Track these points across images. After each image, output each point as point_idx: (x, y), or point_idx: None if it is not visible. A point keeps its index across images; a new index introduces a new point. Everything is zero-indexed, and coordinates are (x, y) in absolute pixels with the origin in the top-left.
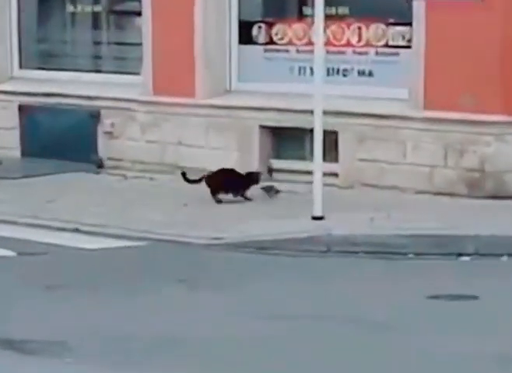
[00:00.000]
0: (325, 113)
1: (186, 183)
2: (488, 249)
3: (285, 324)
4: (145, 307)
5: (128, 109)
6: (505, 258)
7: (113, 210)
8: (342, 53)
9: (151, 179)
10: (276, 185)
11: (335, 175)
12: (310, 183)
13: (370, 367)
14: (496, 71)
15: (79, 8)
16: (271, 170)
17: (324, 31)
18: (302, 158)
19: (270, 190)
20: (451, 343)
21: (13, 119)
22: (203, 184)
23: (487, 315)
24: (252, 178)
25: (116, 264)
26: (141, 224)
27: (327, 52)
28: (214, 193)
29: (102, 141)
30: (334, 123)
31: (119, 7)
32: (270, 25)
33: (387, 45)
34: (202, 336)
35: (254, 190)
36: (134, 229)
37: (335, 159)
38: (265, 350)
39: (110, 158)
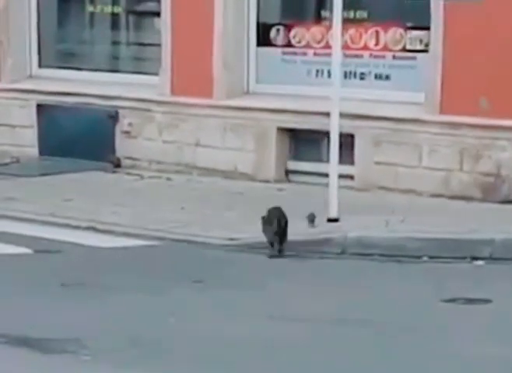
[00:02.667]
0: (342, 115)
1: (199, 184)
2: (502, 254)
3: (299, 326)
4: (160, 306)
5: (146, 110)
6: None
7: (130, 210)
8: (360, 56)
9: (168, 179)
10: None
11: (351, 177)
12: (326, 185)
13: (385, 371)
14: None
15: (99, 8)
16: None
17: (342, 34)
18: (318, 160)
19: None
20: (465, 346)
21: (31, 117)
22: None
23: (500, 319)
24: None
25: (131, 263)
26: (157, 224)
27: (345, 55)
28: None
29: (119, 141)
30: (350, 126)
31: (138, 7)
32: (288, 27)
33: (404, 49)
34: (215, 336)
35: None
36: (150, 229)
37: (351, 162)
38: (277, 352)
39: (127, 158)
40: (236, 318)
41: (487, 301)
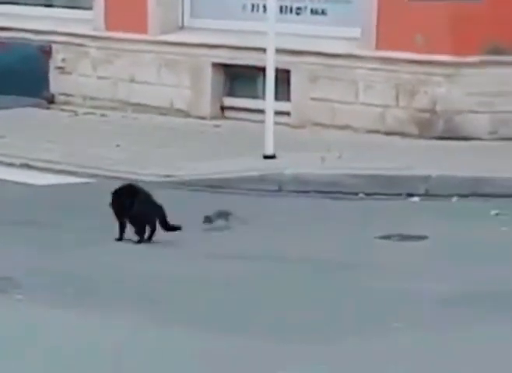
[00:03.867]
0: (278, 51)
1: (135, 120)
2: (438, 190)
3: (238, 264)
4: (94, 244)
5: (80, 45)
6: (455, 199)
7: (64, 147)
8: None
9: (102, 115)
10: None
11: (287, 114)
12: (262, 121)
13: (323, 305)
14: (447, 12)
15: None
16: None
17: None
18: (254, 96)
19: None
20: (399, 282)
21: None
22: None
23: (435, 255)
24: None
25: (65, 201)
26: (91, 161)
27: None
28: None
29: (53, 77)
30: (286, 61)
31: None
32: None
33: None
34: (151, 273)
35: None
36: (84, 166)
37: (287, 98)
38: (216, 290)
39: (61, 94)
40: (173, 256)
41: (423, 237)
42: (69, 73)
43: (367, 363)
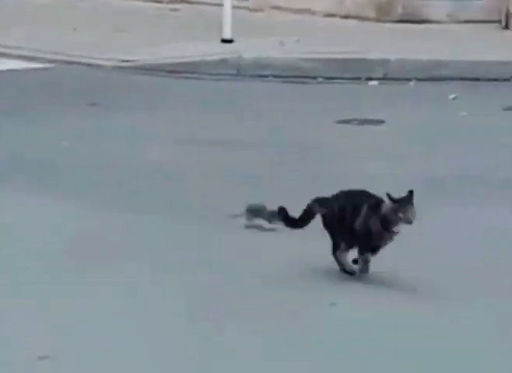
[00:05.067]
0: None
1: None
2: (396, 74)
3: (199, 148)
4: (53, 131)
5: None
6: (413, 82)
7: (22, 32)
8: None
9: None
10: None
11: None
12: (221, 5)
13: (280, 188)
14: None
15: None
16: None
17: None
18: None
19: None
20: (361, 166)
21: None
22: None
23: (392, 138)
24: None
25: (23, 86)
26: (52, 46)
27: None
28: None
29: None
30: None
31: None
32: None
33: None
34: (117, 164)
35: None
36: (44, 51)
37: None
38: (177, 176)
39: None
40: (136, 141)
41: (381, 121)
42: None
43: None
